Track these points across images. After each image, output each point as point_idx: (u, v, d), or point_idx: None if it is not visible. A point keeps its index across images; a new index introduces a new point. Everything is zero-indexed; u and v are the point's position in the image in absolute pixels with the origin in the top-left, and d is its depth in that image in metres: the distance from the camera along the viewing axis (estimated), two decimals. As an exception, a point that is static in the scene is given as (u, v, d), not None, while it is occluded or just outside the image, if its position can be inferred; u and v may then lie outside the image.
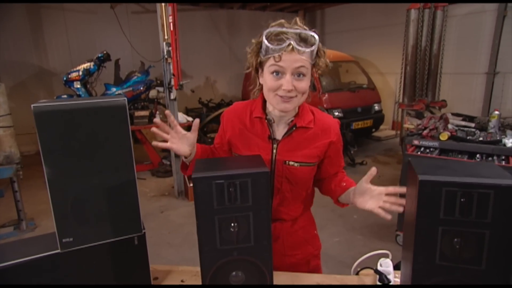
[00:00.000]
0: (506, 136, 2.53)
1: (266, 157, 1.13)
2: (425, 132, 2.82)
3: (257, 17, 8.51)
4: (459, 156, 2.50)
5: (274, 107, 1.10)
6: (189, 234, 3.43)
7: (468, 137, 2.58)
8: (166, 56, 3.92)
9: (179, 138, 1.10)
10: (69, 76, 5.04)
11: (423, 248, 0.80)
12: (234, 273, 0.95)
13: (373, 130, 6.57)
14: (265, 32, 1.02)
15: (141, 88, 5.46)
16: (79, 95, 5.09)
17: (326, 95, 5.99)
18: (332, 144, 1.17)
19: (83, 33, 6.88)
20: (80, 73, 5.02)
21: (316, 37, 1.01)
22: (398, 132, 6.60)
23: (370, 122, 6.22)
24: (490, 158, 2.40)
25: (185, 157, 1.16)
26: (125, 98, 0.96)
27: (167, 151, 6.01)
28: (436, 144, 2.63)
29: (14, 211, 3.72)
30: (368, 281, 1.14)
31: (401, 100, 5.24)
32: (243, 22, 8.42)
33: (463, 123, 3.01)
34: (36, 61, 6.66)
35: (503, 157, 2.37)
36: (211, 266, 0.92)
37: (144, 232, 1.06)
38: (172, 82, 4.02)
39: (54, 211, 0.92)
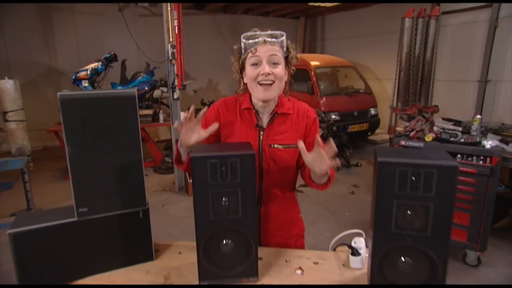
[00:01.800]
0: (486, 138, 2.67)
1: (254, 143, 1.28)
2: (412, 133, 2.97)
3: (260, 22, 8.69)
4: (442, 156, 2.64)
5: (257, 98, 1.27)
6: (188, 226, 3.56)
7: (451, 139, 2.73)
8: (170, 58, 4.07)
9: (192, 130, 1.19)
10: (78, 75, 5.21)
11: (381, 219, 0.95)
12: (224, 241, 1.09)
13: (369, 133, 6.71)
14: (242, 35, 1.26)
15: (146, 88, 5.62)
16: (87, 94, 5.25)
17: (324, 99, 6.14)
18: (308, 126, 1.33)
19: (91, 34, 7.07)
20: (88, 72, 5.19)
21: (284, 33, 1.25)
22: (392, 135, 6.73)
23: (366, 126, 6.36)
24: (470, 158, 2.54)
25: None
26: (135, 90, 1.11)
27: (169, 149, 6.17)
28: (421, 144, 2.77)
29: (22, 201, 3.87)
30: (342, 256, 1.28)
31: (395, 105, 5.39)
32: (246, 27, 8.54)
33: (450, 126, 3.15)
34: (46, 61, 6.85)
35: (482, 157, 2.51)
36: (205, 235, 1.07)
37: (148, 207, 1.21)
38: (176, 83, 4.18)
39: (73, 184, 1.07)
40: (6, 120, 3.35)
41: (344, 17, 8.58)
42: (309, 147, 1.32)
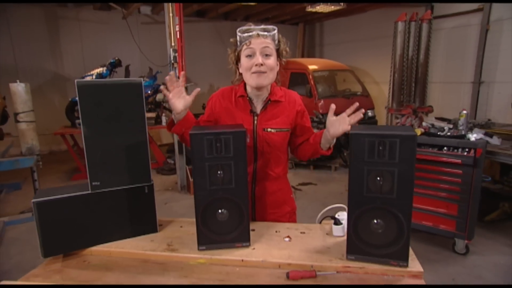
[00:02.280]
0: (472, 132, 2.81)
1: (249, 127, 1.44)
2: (402, 129, 3.10)
3: (259, 28, 8.89)
4: (430, 148, 2.79)
5: (251, 86, 1.42)
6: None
7: (438, 133, 2.87)
8: (172, 61, 4.25)
9: (178, 96, 1.38)
10: (84, 79, 5.40)
11: (355, 184, 1.10)
12: (220, 210, 1.24)
13: (366, 135, 6.82)
14: (238, 29, 1.40)
15: (149, 92, 5.80)
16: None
17: (322, 101, 6.30)
18: (298, 112, 1.49)
19: (96, 42, 7.30)
20: (94, 77, 5.38)
21: (275, 28, 1.39)
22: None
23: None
24: (455, 150, 2.68)
25: (176, 114, 1.42)
26: (141, 79, 1.27)
27: (171, 152, 6.32)
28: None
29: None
30: (327, 227, 1.42)
31: (390, 106, 5.54)
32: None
33: (442, 123, 3.29)
34: (53, 67, 7.07)
35: (467, 149, 2.64)
36: (203, 203, 1.22)
37: (153, 183, 1.36)
38: (178, 85, 4.33)
39: (88, 160, 1.23)
40: (17, 121, 3.52)
41: (342, 23, 8.79)
42: (299, 131, 1.52)
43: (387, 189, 1.07)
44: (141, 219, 1.37)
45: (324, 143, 1.42)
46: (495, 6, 5.55)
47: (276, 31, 1.40)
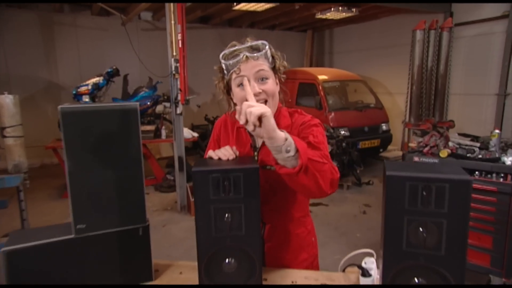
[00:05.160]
0: (506, 154, 2.65)
1: None
2: (426, 149, 2.96)
3: (266, 36, 8.85)
4: (458, 173, 2.63)
5: None
6: (190, 248, 3.55)
7: (467, 155, 2.71)
8: (174, 72, 4.16)
9: None
10: (79, 90, 5.34)
11: (392, 236, 0.95)
12: (227, 260, 1.10)
13: (381, 150, 6.69)
14: (220, 55, 1.20)
15: (148, 103, 5.72)
16: (87, 109, 5.36)
17: (333, 114, 6.18)
18: (303, 129, 1.23)
19: (93, 49, 7.26)
20: (90, 87, 5.32)
21: (266, 43, 1.19)
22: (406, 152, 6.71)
23: (377, 142, 6.36)
24: (489, 175, 2.52)
25: None
26: (138, 103, 1.15)
27: (171, 166, 6.20)
28: (436, 161, 2.76)
29: (17, 221, 3.90)
30: (352, 277, 1.27)
31: (407, 120, 5.39)
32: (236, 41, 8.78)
33: (466, 142, 3.14)
34: (46, 75, 7.03)
35: (502, 175, 2.49)
36: (207, 253, 1.07)
37: (148, 224, 1.22)
38: (179, 97, 4.25)
39: (72, 199, 1.09)
40: (4, 136, 3.42)
41: (353, 30, 8.72)
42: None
43: (432, 243, 0.92)
44: (134, 266, 1.23)
45: (275, 155, 1.00)
46: (522, 12, 5.42)
47: (267, 47, 1.19)
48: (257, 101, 1.14)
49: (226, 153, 1.17)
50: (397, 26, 7.44)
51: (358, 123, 6.25)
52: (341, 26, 8.82)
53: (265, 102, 1.19)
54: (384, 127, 6.58)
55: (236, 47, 1.19)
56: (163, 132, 5.55)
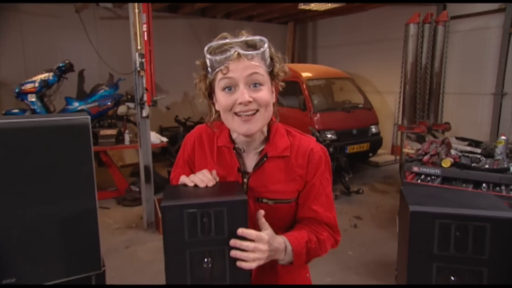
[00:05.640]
0: (514, 163, 2.63)
1: None
2: (425, 157, 2.91)
3: (243, 27, 8.63)
4: (464, 185, 2.58)
5: (236, 132, 1.09)
6: (159, 273, 3.34)
7: (473, 164, 2.67)
8: (138, 69, 3.96)
9: None
10: (23, 87, 5.02)
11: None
12: (206, 317, 0.95)
13: (370, 154, 6.70)
14: (206, 47, 1.03)
15: (109, 104, 5.47)
16: (33, 110, 5.05)
17: (318, 115, 6.12)
18: (308, 174, 1.13)
19: (41, 39, 6.87)
20: (37, 84, 5.00)
21: (265, 40, 1.02)
22: (398, 157, 6.74)
23: (366, 146, 6.35)
24: (497, 188, 2.48)
25: None
26: (88, 116, 0.98)
27: (136, 175, 5.96)
28: (438, 171, 2.71)
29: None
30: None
31: (400, 122, 5.39)
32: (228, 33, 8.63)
33: (468, 148, 3.12)
34: (-16, 70, 6.60)
35: None
36: (180, 309, 0.92)
37: (104, 270, 1.06)
38: (145, 98, 4.05)
39: (-1, 245, 0.91)
40: None
41: (338, 23, 8.72)
42: (306, 194, 1.16)
43: (467, 296, 0.81)
44: (86, 324, 1.05)
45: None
46: (519, 6, 5.55)
47: (266, 45, 1.02)
48: (246, 111, 1.01)
49: (204, 178, 1.02)
50: (386, 19, 7.49)
51: (345, 125, 6.22)
52: (326, 18, 8.80)
53: (256, 112, 1.02)
54: (373, 129, 6.58)
55: (227, 40, 1.01)
56: (127, 137, 5.31)
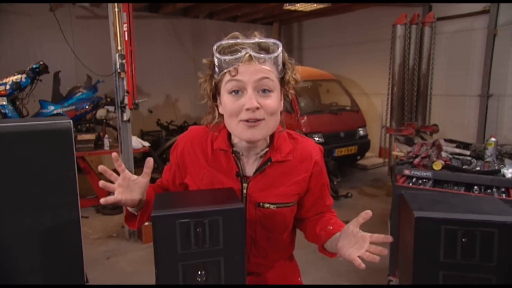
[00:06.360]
0: (504, 165, 2.67)
1: None
2: (416, 160, 2.93)
3: (227, 28, 8.71)
4: (455, 188, 2.61)
5: (240, 138, 1.07)
6: (141, 284, 3.30)
7: (464, 167, 2.71)
8: (119, 70, 3.90)
9: (127, 186, 1.02)
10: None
11: (422, 297, 0.82)
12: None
13: (358, 157, 6.76)
14: (215, 46, 1.00)
15: (87, 107, 5.35)
16: (4, 115, 4.90)
17: (305, 118, 6.14)
18: (313, 176, 1.15)
19: (13, 39, 6.69)
20: (8, 86, 4.85)
21: (279, 44, 1.01)
22: (386, 160, 6.83)
23: (354, 149, 6.40)
24: (489, 190, 2.52)
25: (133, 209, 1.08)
26: (70, 120, 0.94)
27: (116, 182, 5.86)
28: (429, 174, 2.73)
29: None
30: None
31: (388, 125, 5.46)
32: (211, 33, 8.58)
33: (458, 150, 3.16)
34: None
35: (503, 189, 2.49)
36: (173, 326, 0.89)
37: (87, 284, 1.01)
38: (126, 101, 3.98)
39: (-27, 261, 0.86)
40: None
41: (324, 24, 8.80)
42: (309, 204, 1.21)
43: (475, 305, 0.80)
44: None
45: (330, 246, 1.12)
46: (504, 8, 5.69)
47: (280, 50, 1.00)
48: (252, 119, 0.98)
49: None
50: (372, 20, 7.59)
51: (333, 128, 6.26)
52: (311, 19, 8.87)
53: (262, 120, 0.99)
54: (361, 132, 6.64)
55: (239, 40, 0.99)
56: (106, 142, 5.19)
